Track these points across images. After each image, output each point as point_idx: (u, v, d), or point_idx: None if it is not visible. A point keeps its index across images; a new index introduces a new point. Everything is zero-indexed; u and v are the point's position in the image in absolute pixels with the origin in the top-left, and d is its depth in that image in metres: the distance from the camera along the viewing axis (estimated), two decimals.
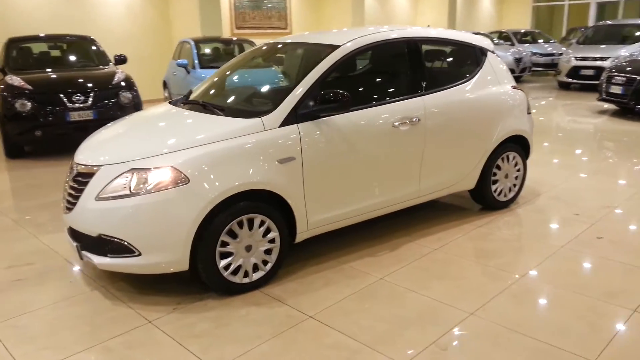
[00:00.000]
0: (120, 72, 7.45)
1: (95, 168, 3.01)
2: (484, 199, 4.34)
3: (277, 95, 3.30)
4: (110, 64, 7.95)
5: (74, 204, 3.08)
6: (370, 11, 17.22)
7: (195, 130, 3.11)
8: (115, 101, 6.94)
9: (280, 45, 4.12)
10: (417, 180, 3.78)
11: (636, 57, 12.39)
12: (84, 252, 3.08)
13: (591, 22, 21.87)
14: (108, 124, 3.79)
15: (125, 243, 2.85)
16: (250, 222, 3.04)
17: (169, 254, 2.86)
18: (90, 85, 6.82)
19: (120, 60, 8.11)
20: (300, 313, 2.88)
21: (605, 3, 22.17)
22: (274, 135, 3.09)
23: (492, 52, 4.30)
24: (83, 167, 3.09)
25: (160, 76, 11.41)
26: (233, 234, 2.99)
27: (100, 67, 7.75)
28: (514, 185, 4.48)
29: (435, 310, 2.88)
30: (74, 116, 6.60)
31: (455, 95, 3.90)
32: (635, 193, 4.80)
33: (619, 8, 21.62)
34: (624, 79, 8.65)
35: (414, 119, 3.62)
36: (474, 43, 4.19)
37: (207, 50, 9.62)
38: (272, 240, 3.14)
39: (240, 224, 3.00)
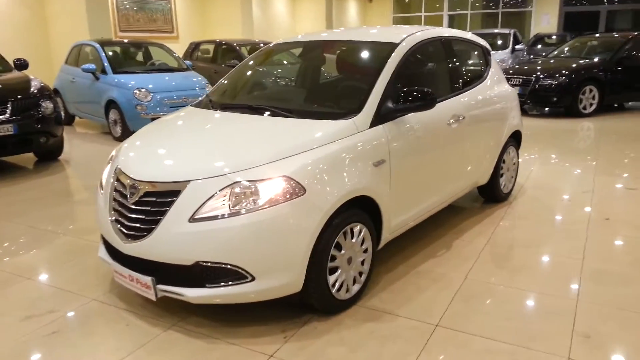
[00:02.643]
0: (34, 78, 6.38)
1: (180, 184, 2.53)
2: (493, 192, 4.53)
3: (352, 95, 3.10)
4: (14, 70, 6.78)
5: (146, 230, 2.56)
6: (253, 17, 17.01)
7: (288, 135, 2.78)
8: (37, 112, 5.90)
9: (319, 43, 3.85)
10: (461, 175, 3.82)
11: (506, 61, 14.02)
12: (161, 287, 2.58)
13: None
14: (138, 133, 3.21)
15: (236, 268, 2.44)
16: (349, 232, 2.80)
17: (285, 275, 2.52)
18: (6, 94, 5.73)
19: (21, 65, 6.98)
20: (423, 323, 2.73)
21: (454, 15, 24.69)
22: (367, 137, 2.89)
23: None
24: (158, 184, 2.58)
25: None
26: (337, 247, 2.73)
27: (4, 73, 6.55)
28: (511, 177, 4.76)
29: (544, 302, 2.93)
30: None
31: (480, 93, 4.03)
32: (594, 177, 5.39)
33: (466, 19, 24.21)
34: (521, 80, 9.69)
35: (461, 117, 3.66)
36: (482, 43, 4.37)
37: (117, 54, 8.68)
38: (365, 250, 2.94)
39: (344, 235, 2.76)
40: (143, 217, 2.58)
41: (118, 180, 2.82)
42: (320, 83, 3.73)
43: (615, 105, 10.48)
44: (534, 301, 2.94)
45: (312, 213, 2.52)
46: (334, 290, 2.73)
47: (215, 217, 2.44)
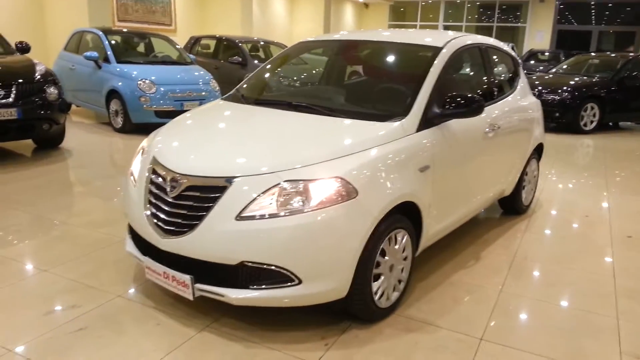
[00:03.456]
0: (39, 63, 6.16)
1: (227, 179, 2.40)
2: (514, 204, 4.48)
3: (397, 97, 3.01)
4: (16, 53, 6.54)
5: (188, 226, 2.43)
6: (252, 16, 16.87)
7: (337, 135, 2.68)
8: (42, 97, 5.70)
9: (358, 42, 3.74)
10: (492, 185, 3.77)
11: None
12: (199, 286, 2.45)
13: None
14: (172, 124, 3.07)
15: (283, 270, 2.33)
16: (393, 239, 2.71)
17: (332, 280, 2.41)
18: (11, 77, 5.50)
19: (22, 48, 6.74)
20: (467, 336, 2.64)
21: (449, 26, 24.88)
22: (415, 141, 2.81)
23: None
24: (203, 178, 2.45)
25: None
26: (381, 253, 2.63)
27: (6, 55, 6.31)
28: (532, 190, 4.72)
29: (585, 319, 2.87)
30: None
31: (513, 103, 3.99)
32: (607, 194, 5.39)
33: (461, 31, 24.39)
34: None
35: (496, 126, 3.60)
36: (513, 54, 4.33)
37: (120, 43, 8.46)
38: (404, 258, 2.84)
39: (388, 241, 2.66)
40: (184, 212, 2.45)
41: (154, 172, 2.68)
42: (361, 83, 3.63)
43: (610, 124, 10.61)
44: (575, 318, 2.88)
45: (363, 217, 2.42)
46: (376, 298, 2.63)
47: (264, 216, 2.32)
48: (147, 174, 2.73)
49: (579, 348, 2.58)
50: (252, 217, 2.33)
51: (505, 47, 4.28)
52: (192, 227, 2.42)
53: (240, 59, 10.43)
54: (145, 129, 7.78)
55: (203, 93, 7.95)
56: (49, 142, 6.36)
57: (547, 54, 19.86)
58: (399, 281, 2.83)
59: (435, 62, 3.13)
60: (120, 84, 7.55)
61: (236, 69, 10.35)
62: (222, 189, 2.39)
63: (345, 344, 2.51)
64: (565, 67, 11.35)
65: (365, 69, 3.73)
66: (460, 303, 2.98)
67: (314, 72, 3.85)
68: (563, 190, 5.56)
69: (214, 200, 2.39)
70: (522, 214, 4.62)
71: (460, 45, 3.41)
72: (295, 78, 3.72)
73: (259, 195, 2.35)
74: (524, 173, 4.36)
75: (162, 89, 7.55)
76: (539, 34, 22.86)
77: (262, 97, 3.34)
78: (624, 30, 22.23)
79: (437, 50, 3.22)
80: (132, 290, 2.94)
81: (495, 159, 3.70)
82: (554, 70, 11.41)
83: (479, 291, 3.13)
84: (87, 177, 5.31)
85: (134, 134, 7.59)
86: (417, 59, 3.28)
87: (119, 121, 7.72)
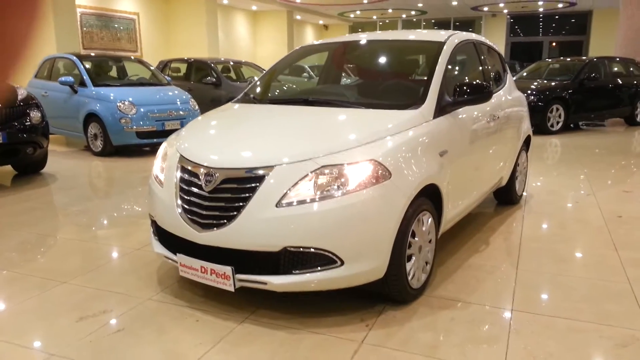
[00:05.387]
0: (19, 87, 6.06)
1: (265, 169, 2.45)
2: (509, 194, 4.66)
3: (412, 88, 3.16)
4: None
5: (226, 218, 2.46)
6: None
7: (364, 123, 2.78)
8: (25, 120, 5.59)
9: (366, 42, 3.88)
10: (493, 173, 3.92)
11: None
12: (240, 277, 2.47)
13: None
14: (192, 125, 3.10)
15: (326, 252, 2.38)
16: (421, 220, 2.80)
17: (372, 260, 2.47)
18: None
19: None
20: (499, 309, 2.74)
21: None
22: (434, 127, 2.93)
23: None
24: (239, 170, 2.49)
25: None
26: (411, 235, 2.71)
27: None
28: (523, 180, 4.92)
29: (602, 286, 3.02)
30: None
31: (504, 96, 4.19)
32: (589, 183, 5.66)
33: None
34: None
35: (495, 116, 3.78)
36: (499, 50, 4.55)
37: (95, 67, 8.38)
38: (429, 240, 2.94)
39: (417, 223, 2.75)
40: (222, 204, 2.48)
41: (184, 170, 2.70)
42: (373, 78, 3.75)
43: (572, 125, 11.13)
44: (592, 286, 3.03)
45: (397, 197, 2.51)
46: (409, 278, 2.71)
47: (303, 202, 2.38)
48: (176, 174, 2.74)
49: (604, 310, 2.71)
50: (292, 203, 2.38)
51: (493, 44, 4.52)
52: (231, 219, 2.45)
53: (214, 80, 10.47)
54: (125, 151, 7.71)
55: (182, 112, 7.94)
56: (31, 167, 6.21)
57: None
58: (426, 263, 2.92)
59: (441, 54, 3.29)
60: (98, 106, 7.47)
61: (210, 89, 10.38)
62: (260, 179, 2.44)
63: (385, 324, 2.57)
64: (525, 74, 11.89)
65: (375, 65, 3.86)
66: (483, 281, 3.08)
67: (321, 73, 3.94)
68: (549, 183, 5.81)
69: (252, 190, 2.43)
70: (516, 203, 4.80)
71: (458, 40, 3.59)
72: (305, 79, 3.81)
73: (297, 182, 2.41)
74: (516, 164, 4.55)
75: (142, 109, 7.51)
76: None
77: (276, 97, 3.41)
78: (573, 40, 23.42)
79: (440, 45, 3.39)
80: (160, 293, 2.92)
81: (495, 148, 3.87)
82: (515, 78, 11.91)
83: (497, 271, 3.25)
84: (79, 198, 5.20)
85: (114, 156, 7.50)
86: (425, 52, 3.44)
87: (98, 145, 7.61)
